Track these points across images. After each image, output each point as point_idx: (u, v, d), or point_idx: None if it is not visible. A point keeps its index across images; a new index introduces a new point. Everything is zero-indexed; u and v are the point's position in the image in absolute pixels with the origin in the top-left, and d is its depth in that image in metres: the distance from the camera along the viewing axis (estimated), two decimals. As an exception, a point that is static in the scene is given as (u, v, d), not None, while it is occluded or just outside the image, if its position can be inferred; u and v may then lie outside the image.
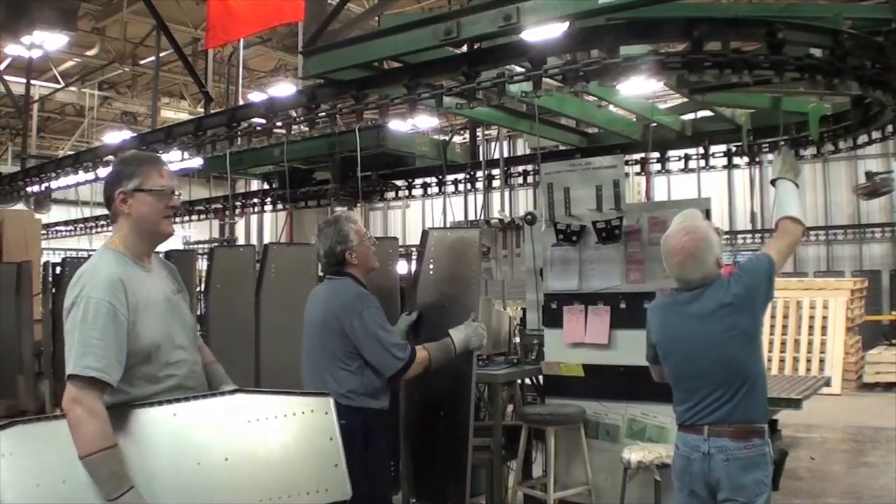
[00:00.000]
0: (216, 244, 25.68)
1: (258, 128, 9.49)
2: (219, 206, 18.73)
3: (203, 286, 9.78)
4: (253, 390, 3.98)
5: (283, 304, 8.59)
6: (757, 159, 13.04)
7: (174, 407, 3.65)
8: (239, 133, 9.72)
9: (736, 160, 12.98)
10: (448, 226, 12.88)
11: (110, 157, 12.63)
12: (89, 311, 3.49)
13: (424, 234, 7.12)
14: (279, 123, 9.22)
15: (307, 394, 4.17)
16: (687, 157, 13.30)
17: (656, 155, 13.09)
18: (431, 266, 7.14)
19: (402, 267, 8.30)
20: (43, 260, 13.95)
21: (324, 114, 8.66)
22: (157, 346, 3.69)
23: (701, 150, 12.79)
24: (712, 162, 12.88)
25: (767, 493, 4.52)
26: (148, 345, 3.66)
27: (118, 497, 3.33)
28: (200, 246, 26.38)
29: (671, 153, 13.16)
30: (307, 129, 9.35)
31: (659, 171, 14.03)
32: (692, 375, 4.61)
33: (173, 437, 3.61)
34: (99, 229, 23.28)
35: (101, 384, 3.43)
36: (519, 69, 7.46)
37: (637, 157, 13.38)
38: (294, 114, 8.93)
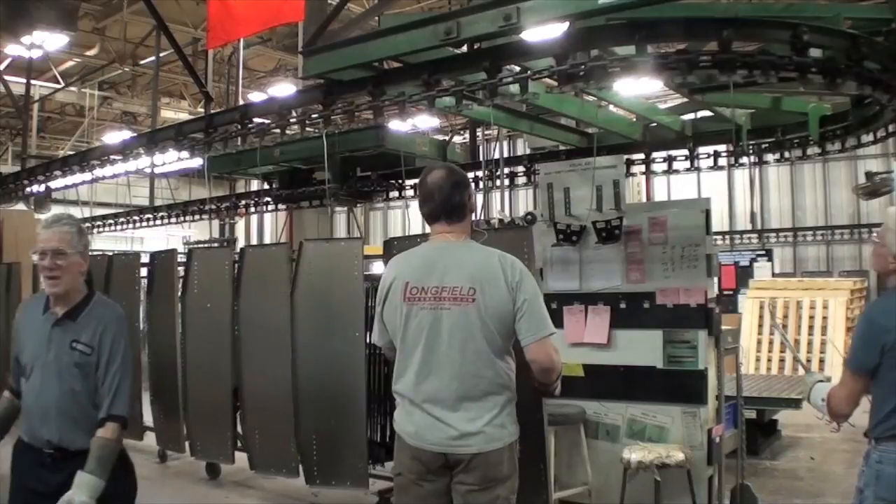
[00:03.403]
0: (215, 244, 25.66)
1: (233, 133, 9.50)
2: (227, 205, 18.59)
3: (181, 287, 10.00)
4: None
5: (259, 302, 8.86)
6: (756, 159, 12.97)
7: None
8: (216, 138, 9.73)
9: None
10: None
11: (111, 157, 12.65)
12: (538, 285, 4.57)
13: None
14: (257, 129, 9.30)
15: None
16: (693, 157, 13.19)
17: (657, 155, 13.06)
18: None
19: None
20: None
21: (294, 120, 8.72)
22: None
23: (701, 151, 12.75)
24: (712, 162, 12.84)
25: None
26: None
27: None
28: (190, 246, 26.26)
29: (671, 153, 13.11)
30: (279, 133, 9.38)
31: (658, 171, 13.95)
32: None
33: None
34: (105, 229, 22.99)
35: None
36: (515, 69, 7.47)
37: (637, 156, 13.32)
38: (296, 114, 8.96)
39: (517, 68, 7.41)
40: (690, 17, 7.00)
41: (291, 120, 8.78)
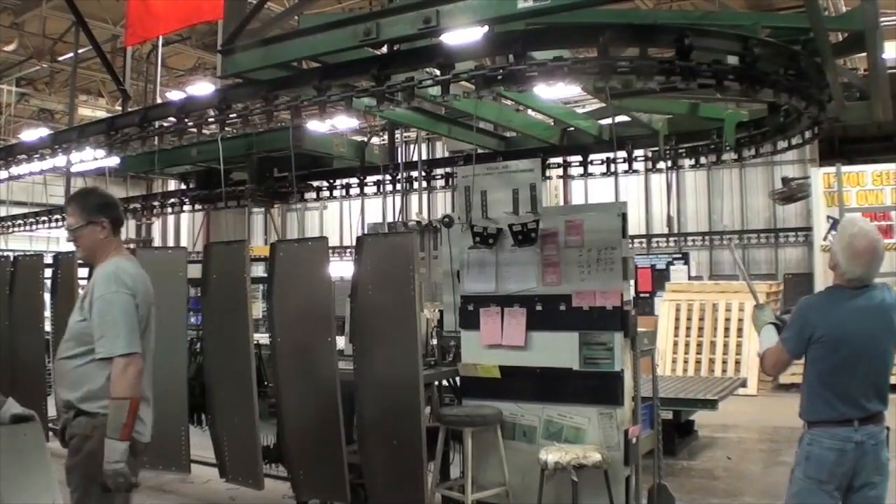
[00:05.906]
0: (131, 245, 25.28)
1: (135, 136, 9.37)
2: (136, 206, 18.31)
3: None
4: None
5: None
6: (673, 164, 13.08)
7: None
8: (118, 141, 9.60)
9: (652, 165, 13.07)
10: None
11: (18, 157, 12.41)
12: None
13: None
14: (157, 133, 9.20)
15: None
16: (608, 161, 13.22)
17: (574, 159, 13.10)
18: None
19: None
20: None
21: (191, 123, 8.65)
22: None
23: (619, 155, 12.79)
24: (629, 166, 12.90)
25: None
26: None
27: None
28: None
29: (588, 157, 13.14)
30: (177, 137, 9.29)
31: (576, 175, 13.96)
32: (855, 369, 4.87)
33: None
34: (24, 228, 22.52)
35: None
36: (436, 72, 7.43)
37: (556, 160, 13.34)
38: (193, 118, 8.86)
39: (436, 72, 7.40)
40: (570, 23, 7.06)
41: (189, 123, 8.68)
